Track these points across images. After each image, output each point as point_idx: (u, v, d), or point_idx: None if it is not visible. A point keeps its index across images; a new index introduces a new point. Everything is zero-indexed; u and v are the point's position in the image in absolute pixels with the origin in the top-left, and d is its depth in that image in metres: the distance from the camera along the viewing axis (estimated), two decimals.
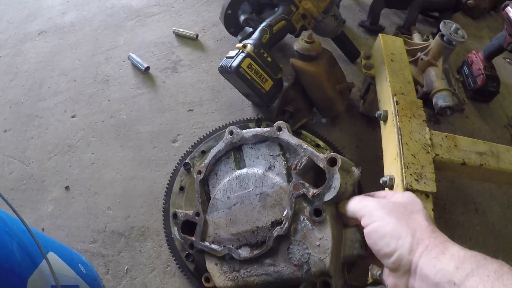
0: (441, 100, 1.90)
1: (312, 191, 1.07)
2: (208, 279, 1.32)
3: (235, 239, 1.24)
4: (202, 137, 1.83)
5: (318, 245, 1.07)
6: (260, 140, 1.27)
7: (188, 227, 1.40)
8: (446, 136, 1.60)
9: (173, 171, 1.77)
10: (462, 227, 1.95)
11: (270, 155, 1.25)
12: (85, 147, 2.02)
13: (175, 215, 1.44)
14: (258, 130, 1.27)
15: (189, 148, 1.81)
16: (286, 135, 1.20)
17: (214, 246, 1.30)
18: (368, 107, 2.06)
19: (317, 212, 1.06)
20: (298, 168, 1.14)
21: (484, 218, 2.01)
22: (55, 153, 2.02)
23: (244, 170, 1.28)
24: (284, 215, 1.13)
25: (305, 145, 1.16)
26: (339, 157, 1.05)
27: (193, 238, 1.36)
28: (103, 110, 2.16)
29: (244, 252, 1.23)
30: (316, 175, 1.16)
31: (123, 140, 2.03)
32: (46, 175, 1.97)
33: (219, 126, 1.89)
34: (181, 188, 1.72)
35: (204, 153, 1.77)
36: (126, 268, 1.73)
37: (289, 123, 1.73)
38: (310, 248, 1.07)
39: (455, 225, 1.95)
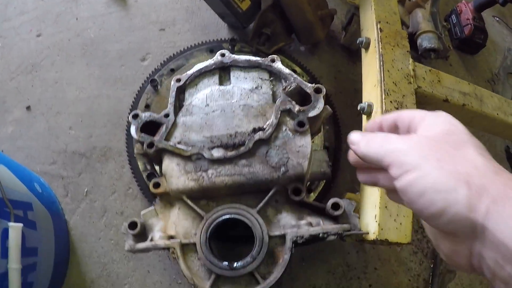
0: (426, 41, 1.83)
1: (298, 107, 1.23)
2: (158, 185, 1.21)
3: (208, 141, 1.23)
4: (172, 55, 1.71)
5: (297, 151, 1.18)
6: (251, 65, 1.36)
7: (149, 130, 1.29)
8: (430, 70, 1.54)
9: (139, 89, 1.65)
10: None
11: (260, 78, 1.35)
12: (50, 66, 1.90)
13: (135, 115, 1.31)
14: (251, 57, 1.37)
15: (158, 66, 1.70)
16: (279, 65, 1.34)
17: (180, 146, 1.23)
18: (349, 38, 1.96)
19: (300, 124, 1.20)
20: (287, 90, 1.27)
21: None
22: (18, 73, 1.90)
23: (229, 85, 1.33)
24: (267, 123, 1.22)
25: (295, 75, 1.30)
26: (323, 87, 1.25)
27: (154, 138, 1.26)
28: (70, 28, 2.03)
29: (217, 153, 1.20)
30: (300, 102, 1.27)
31: (90, 58, 1.92)
32: (7, 96, 1.86)
33: (191, 45, 1.77)
34: (147, 106, 1.62)
35: (173, 71, 1.66)
36: (86, 190, 1.64)
37: (265, 46, 1.64)
38: (290, 154, 1.17)
39: None
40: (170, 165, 1.22)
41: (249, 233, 1.16)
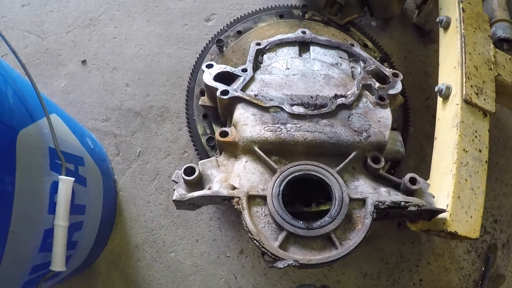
0: (500, 30, 1.72)
1: (378, 84, 1.28)
2: (225, 133, 1.14)
3: (287, 98, 1.20)
4: (239, 17, 1.63)
5: (378, 121, 1.18)
6: (331, 45, 1.40)
7: (222, 81, 1.26)
8: (510, 59, 1.44)
9: (203, 49, 1.57)
10: (500, 170, 1.80)
11: (339, 57, 1.38)
12: (108, 20, 1.83)
13: (210, 65, 1.28)
14: (332, 38, 1.42)
15: (224, 27, 1.61)
16: (358, 49, 1.40)
17: (258, 99, 1.19)
18: (423, 18, 1.86)
19: (381, 98, 1.24)
20: (367, 69, 1.33)
21: None
22: (75, 27, 1.84)
23: (309, 57, 1.36)
24: (349, 92, 1.24)
25: (373, 59, 1.37)
26: (401, 73, 1.34)
27: (228, 87, 1.22)
28: None
29: (298, 109, 1.17)
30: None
31: (151, 15, 1.84)
32: (63, 49, 1.80)
33: (259, 8, 1.68)
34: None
35: (240, 33, 1.57)
36: (138, 150, 1.57)
37: (337, 16, 1.56)
38: (371, 122, 1.18)
39: (494, 166, 1.80)
40: (245, 114, 1.15)
41: (321, 199, 1.11)
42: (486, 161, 1.26)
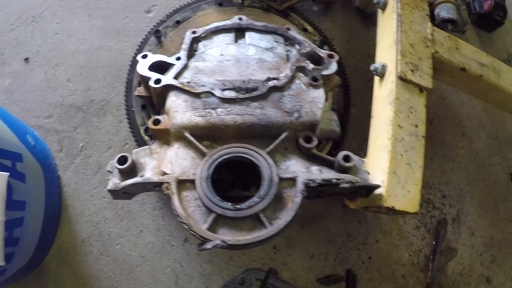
0: (444, 11, 1.74)
1: (312, 66, 1.28)
2: (158, 121, 1.14)
3: (219, 83, 1.20)
4: (178, 7, 1.63)
5: (310, 101, 1.19)
6: (267, 30, 1.40)
7: (158, 70, 1.26)
8: (448, 37, 1.46)
9: (142, 41, 1.57)
10: (446, 147, 1.83)
11: (275, 41, 1.38)
12: (51, 17, 1.82)
13: (145, 56, 1.28)
14: (268, 23, 1.43)
15: (163, 17, 1.61)
16: (294, 33, 1.40)
17: (190, 85, 1.20)
18: (365, 1, 1.86)
19: (314, 79, 1.24)
20: (301, 51, 1.32)
21: (469, 144, 1.89)
22: (18, 25, 1.82)
23: (245, 42, 1.37)
24: (282, 75, 1.24)
25: (309, 41, 1.38)
26: (336, 54, 1.34)
27: (161, 75, 1.22)
28: None
29: (229, 94, 1.18)
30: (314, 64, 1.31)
31: (93, 9, 1.83)
32: (6, 48, 1.78)
33: None
34: None
35: (179, 23, 1.57)
36: (81, 145, 1.57)
37: (276, 2, 1.56)
38: (303, 102, 1.19)
39: (440, 143, 1.83)
40: (176, 101, 1.16)
41: (256, 182, 1.08)
42: (423, 136, 1.27)
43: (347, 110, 1.56)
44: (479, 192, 1.86)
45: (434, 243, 1.71)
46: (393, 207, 1.14)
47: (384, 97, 1.33)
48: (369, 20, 1.92)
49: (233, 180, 1.19)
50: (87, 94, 1.63)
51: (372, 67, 1.39)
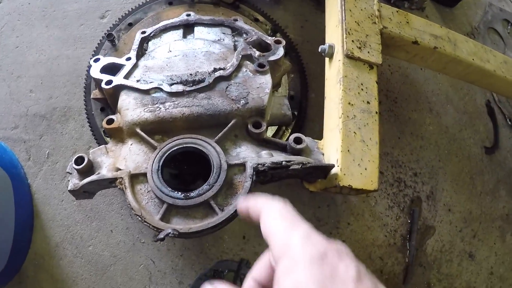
0: None
1: (258, 53, 1.29)
2: (111, 121, 1.17)
3: (167, 79, 1.23)
4: (130, 10, 1.66)
5: (257, 87, 1.21)
6: (215, 23, 1.43)
7: (110, 72, 1.28)
8: (397, 11, 1.51)
9: (96, 46, 1.60)
10: (414, 125, 1.84)
11: (222, 33, 1.42)
12: (10, 31, 1.85)
13: (97, 59, 1.31)
14: (215, 17, 1.46)
15: (116, 21, 1.64)
16: (241, 23, 1.43)
17: (139, 83, 1.23)
18: None
19: (261, 65, 1.26)
20: (248, 40, 1.34)
21: (438, 119, 1.90)
22: None
23: (193, 37, 1.40)
24: (228, 64, 1.26)
25: (256, 30, 1.40)
26: (283, 39, 1.35)
27: (112, 77, 1.25)
28: None
29: (177, 88, 1.20)
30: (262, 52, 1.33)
31: (49, 19, 1.87)
32: None
33: None
34: None
35: (131, 25, 1.61)
36: (47, 152, 1.60)
37: None
38: (250, 89, 1.20)
39: (407, 121, 1.84)
40: (127, 99, 1.19)
41: (208, 171, 1.10)
42: (376, 112, 1.28)
43: (305, 95, 1.58)
44: (452, 167, 1.87)
45: (409, 221, 1.71)
46: (350, 185, 1.15)
47: (333, 77, 1.35)
48: (323, 5, 1.91)
49: (195, 173, 1.21)
50: (50, 103, 1.66)
51: (320, 49, 1.41)
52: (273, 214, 0.56)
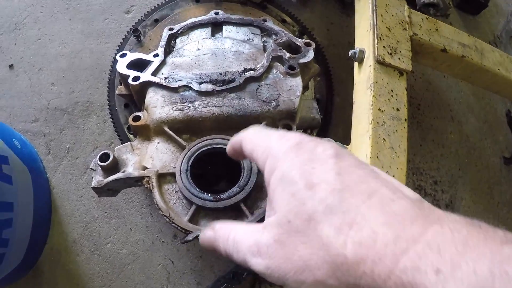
0: None
1: (289, 55, 1.26)
2: (138, 118, 1.15)
3: (197, 77, 1.20)
4: (156, 6, 1.64)
5: (288, 90, 1.19)
6: (244, 22, 1.41)
7: (137, 68, 1.26)
8: (427, 18, 1.47)
9: (121, 41, 1.58)
10: (435, 132, 1.83)
11: (252, 33, 1.39)
12: (32, 23, 1.83)
13: (123, 55, 1.28)
14: (245, 16, 1.43)
15: (142, 16, 1.62)
16: (270, 24, 1.41)
17: (167, 81, 1.21)
18: None
19: (291, 67, 1.22)
20: (278, 41, 1.31)
21: (459, 128, 1.88)
22: (1, 33, 1.84)
23: (221, 36, 1.38)
24: (259, 65, 1.23)
25: (286, 31, 1.37)
26: (313, 42, 1.32)
27: (140, 73, 1.22)
28: None
29: (206, 87, 1.18)
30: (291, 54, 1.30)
31: (73, 13, 1.85)
32: None
33: None
34: None
35: (157, 21, 1.58)
36: (67, 147, 1.58)
37: None
38: (280, 91, 1.18)
39: (429, 128, 1.82)
40: (154, 96, 1.16)
41: (233, 173, 1.07)
42: (405, 119, 1.27)
43: (331, 99, 1.57)
44: (471, 177, 1.85)
45: None
46: None
47: (363, 82, 1.32)
48: (348, 8, 1.93)
49: (219, 174, 1.19)
50: (71, 97, 1.64)
51: (350, 53, 1.39)
52: (250, 136, 0.59)
